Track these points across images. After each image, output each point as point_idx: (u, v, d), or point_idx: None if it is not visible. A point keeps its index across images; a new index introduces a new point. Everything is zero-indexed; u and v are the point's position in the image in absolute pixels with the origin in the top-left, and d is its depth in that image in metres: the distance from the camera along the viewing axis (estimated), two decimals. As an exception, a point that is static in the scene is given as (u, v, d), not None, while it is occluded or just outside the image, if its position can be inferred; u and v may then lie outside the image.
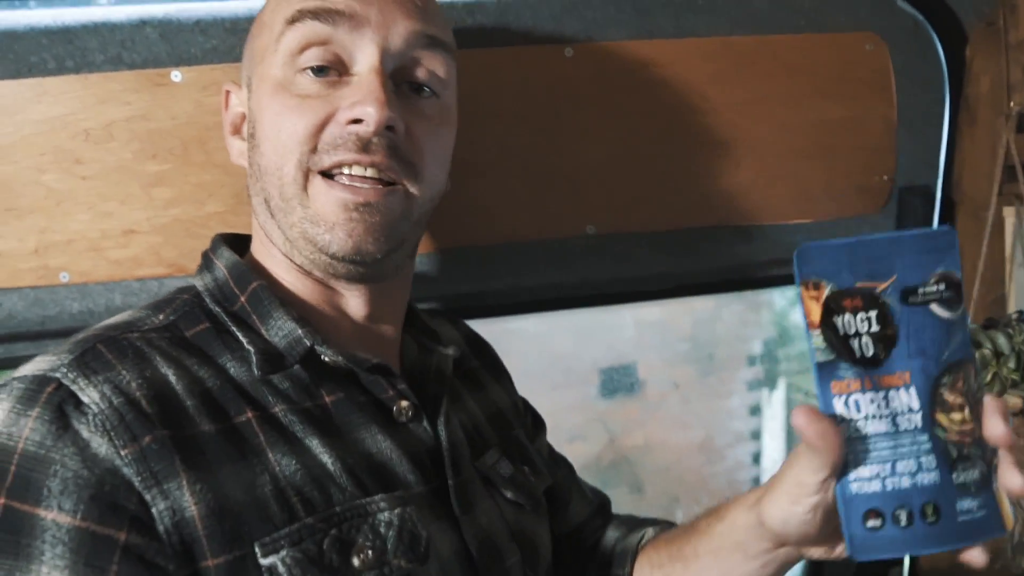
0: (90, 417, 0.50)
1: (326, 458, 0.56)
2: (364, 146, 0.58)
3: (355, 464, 0.58)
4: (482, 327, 0.87)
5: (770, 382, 3.26)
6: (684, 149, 0.97)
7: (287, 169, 0.59)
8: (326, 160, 0.59)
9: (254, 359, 0.58)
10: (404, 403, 0.62)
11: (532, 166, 0.93)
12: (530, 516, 0.71)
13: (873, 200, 1.05)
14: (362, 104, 0.57)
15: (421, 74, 0.62)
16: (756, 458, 3.22)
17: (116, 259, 0.83)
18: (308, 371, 0.59)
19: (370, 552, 0.54)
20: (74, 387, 0.51)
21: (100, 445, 0.50)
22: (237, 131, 0.67)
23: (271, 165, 0.60)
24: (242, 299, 0.61)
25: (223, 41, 0.81)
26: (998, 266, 1.03)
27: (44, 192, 0.80)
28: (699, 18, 0.94)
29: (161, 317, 0.59)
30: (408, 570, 0.56)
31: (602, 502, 0.85)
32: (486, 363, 0.81)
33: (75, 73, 0.79)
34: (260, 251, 0.66)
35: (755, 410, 3.24)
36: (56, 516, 0.48)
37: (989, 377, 0.90)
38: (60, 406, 0.51)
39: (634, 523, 0.81)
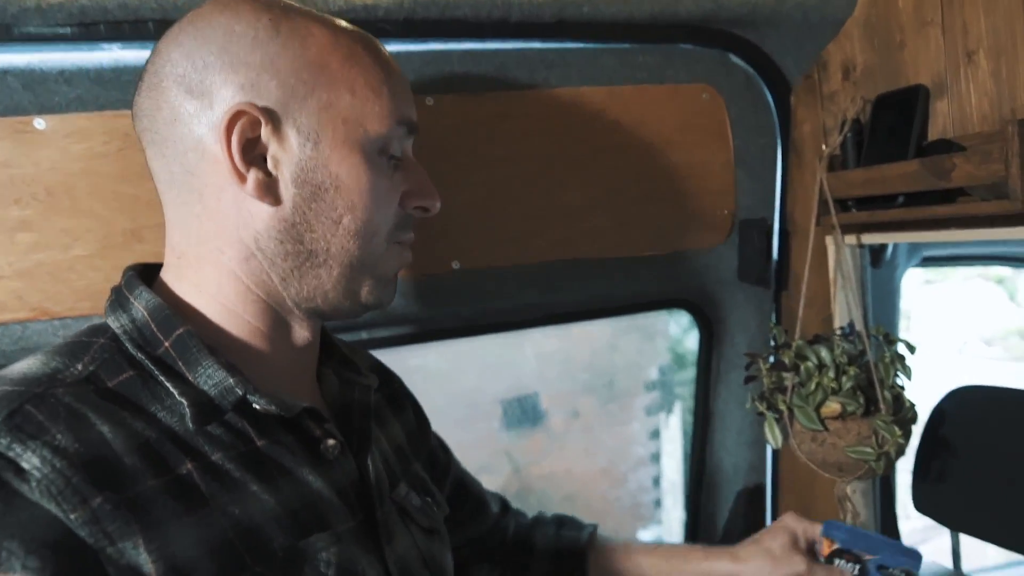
0: (33, 484, 0.50)
1: (265, 503, 0.58)
2: (411, 227, 0.71)
3: (292, 505, 0.59)
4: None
5: (667, 406, 3.39)
6: (543, 191, 1.05)
7: (379, 239, 0.66)
8: (402, 236, 0.69)
9: (188, 412, 0.57)
10: (331, 441, 0.65)
11: (399, 207, 0.99)
12: (438, 543, 0.77)
13: (716, 233, 1.16)
14: (431, 199, 0.71)
15: None
16: (656, 481, 3.33)
17: (-23, 304, 0.83)
18: (241, 417, 0.61)
19: None
20: (11, 454, 0.50)
21: (50, 509, 0.49)
22: (252, 163, 0.61)
23: (364, 230, 0.64)
24: (166, 344, 0.60)
25: (88, 90, 0.83)
26: (825, 290, 1.15)
27: (-99, 238, 0.80)
28: (551, 72, 1.03)
29: (80, 367, 0.57)
30: None
31: (503, 499, 1.00)
32: (388, 394, 0.85)
33: (-66, 121, 0.80)
34: (199, 287, 0.64)
35: (654, 434, 3.36)
36: (23, 573, 0.48)
37: (813, 386, 1.01)
38: (1, 472, 0.50)
39: (557, 519, 0.98)
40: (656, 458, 3.43)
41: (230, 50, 0.60)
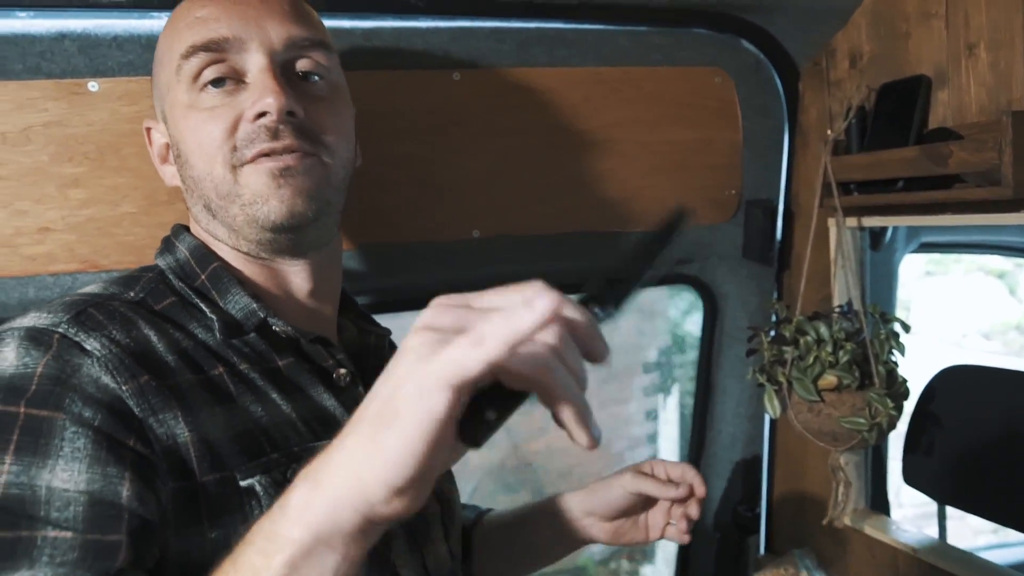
0: (94, 359, 0.59)
1: (285, 409, 0.67)
2: (274, 134, 0.67)
3: (307, 415, 0.68)
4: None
5: (665, 388, 3.45)
6: (558, 164, 1.10)
7: (217, 171, 0.69)
8: (247, 153, 0.68)
9: (216, 325, 0.68)
10: (342, 371, 0.73)
11: (423, 176, 1.04)
12: (446, 476, 0.84)
13: (723, 211, 1.21)
14: (263, 98, 0.67)
15: (306, 65, 0.72)
16: (653, 461, 3.38)
17: (30, 255, 0.88)
18: (262, 339, 0.70)
19: None
20: (76, 338, 0.60)
21: (106, 379, 0.59)
22: (165, 159, 0.77)
23: (202, 173, 0.70)
24: (202, 276, 0.72)
25: (139, 56, 0.88)
26: (825, 269, 1.20)
27: (-40, 191, 0.85)
28: (571, 51, 1.08)
29: (132, 293, 0.68)
30: None
31: None
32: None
33: (-6, 81, 0.84)
34: (204, 237, 0.76)
35: (651, 415, 3.41)
36: (80, 416, 0.57)
37: (811, 360, 1.06)
38: (68, 350, 0.59)
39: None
40: (653, 439, 3.49)
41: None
